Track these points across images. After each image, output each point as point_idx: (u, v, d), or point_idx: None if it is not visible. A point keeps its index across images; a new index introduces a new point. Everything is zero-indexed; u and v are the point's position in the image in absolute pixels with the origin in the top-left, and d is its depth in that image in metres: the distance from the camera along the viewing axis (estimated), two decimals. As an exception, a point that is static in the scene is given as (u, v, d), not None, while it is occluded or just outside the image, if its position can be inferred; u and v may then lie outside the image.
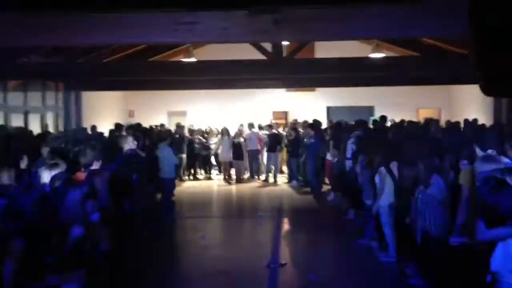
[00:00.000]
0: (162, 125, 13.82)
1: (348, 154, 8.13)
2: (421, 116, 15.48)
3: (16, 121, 10.24)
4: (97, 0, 3.75)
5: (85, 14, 4.07)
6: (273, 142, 12.60)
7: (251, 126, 13.19)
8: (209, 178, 13.64)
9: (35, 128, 10.78)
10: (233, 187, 12.22)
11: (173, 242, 7.58)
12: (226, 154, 12.87)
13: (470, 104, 14.31)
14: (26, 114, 10.63)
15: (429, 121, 9.66)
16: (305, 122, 13.38)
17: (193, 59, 12.33)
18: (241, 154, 12.70)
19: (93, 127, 11.13)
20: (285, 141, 12.66)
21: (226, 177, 12.93)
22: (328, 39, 9.09)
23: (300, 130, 12.17)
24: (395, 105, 15.39)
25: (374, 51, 12.07)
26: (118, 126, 10.51)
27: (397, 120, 12.01)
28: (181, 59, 12.67)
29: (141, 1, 3.76)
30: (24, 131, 9.15)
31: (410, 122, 10.67)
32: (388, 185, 5.75)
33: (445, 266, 4.58)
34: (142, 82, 11.87)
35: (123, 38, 6.25)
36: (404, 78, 11.43)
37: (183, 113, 16.90)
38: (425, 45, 11.42)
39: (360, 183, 6.92)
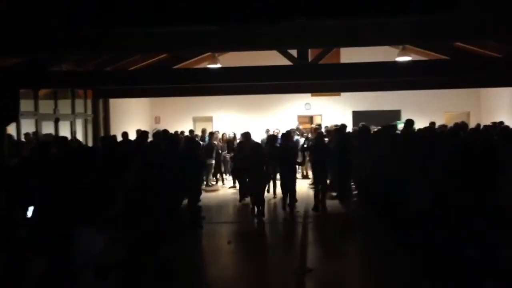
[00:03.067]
0: (191, 131, 13.96)
1: None
2: (447, 119, 15.21)
3: (47, 129, 10.49)
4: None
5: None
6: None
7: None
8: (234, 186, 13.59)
9: (66, 135, 11.01)
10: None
11: (199, 247, 7.62)
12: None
13: (501, 107, 14.02)
14: (56, 121, 10.86)
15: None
16: (318, 127, 13.18)
17: (218, 65, 12.41)
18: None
19: (124, 134, 11.17)
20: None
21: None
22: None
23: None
24: (422, 108, 15.23)
25: (400, 54, 11.92)
26: (144, 134, 10.63)
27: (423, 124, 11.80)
28: (207, 66, 12.77)
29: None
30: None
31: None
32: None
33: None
34: (168, 88, 11.97)
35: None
36: (432, 82, 11.24)
37: (208, 119, 17.03)
38: (453, 48, 11.21)
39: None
